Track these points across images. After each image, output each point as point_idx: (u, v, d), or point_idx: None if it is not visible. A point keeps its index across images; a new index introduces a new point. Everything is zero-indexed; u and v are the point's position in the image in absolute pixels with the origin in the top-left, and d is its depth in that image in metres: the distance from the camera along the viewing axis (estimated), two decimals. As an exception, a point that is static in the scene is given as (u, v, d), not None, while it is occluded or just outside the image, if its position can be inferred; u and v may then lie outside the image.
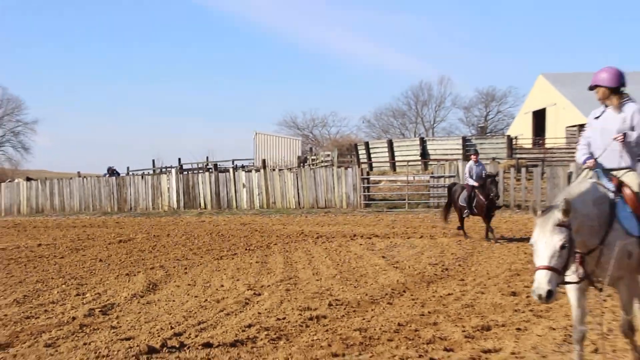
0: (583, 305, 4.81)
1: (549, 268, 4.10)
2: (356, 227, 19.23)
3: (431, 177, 26.65)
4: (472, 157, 14.91)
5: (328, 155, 37.42)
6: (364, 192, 26.63)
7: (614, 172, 4.95)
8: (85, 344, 5.96)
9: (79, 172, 37.44)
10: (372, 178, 29.57)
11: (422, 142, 33.08)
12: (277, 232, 18.09)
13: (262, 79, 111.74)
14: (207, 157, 44.68)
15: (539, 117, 42.03)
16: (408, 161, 30.39)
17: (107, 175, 37.42)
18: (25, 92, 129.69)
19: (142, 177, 33.27)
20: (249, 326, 6.52)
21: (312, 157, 40.80)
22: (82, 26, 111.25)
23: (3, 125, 70.73)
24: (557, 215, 4.18)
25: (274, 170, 30.12)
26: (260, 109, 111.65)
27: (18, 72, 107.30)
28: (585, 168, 5.04)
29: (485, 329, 6.29)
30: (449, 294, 8.19)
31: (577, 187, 4.68)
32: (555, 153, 31.77)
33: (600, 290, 4.76)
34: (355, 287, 8.95)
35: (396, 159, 32.47)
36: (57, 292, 8.94)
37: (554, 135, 37.31)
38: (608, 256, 4.46)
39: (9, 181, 40.08)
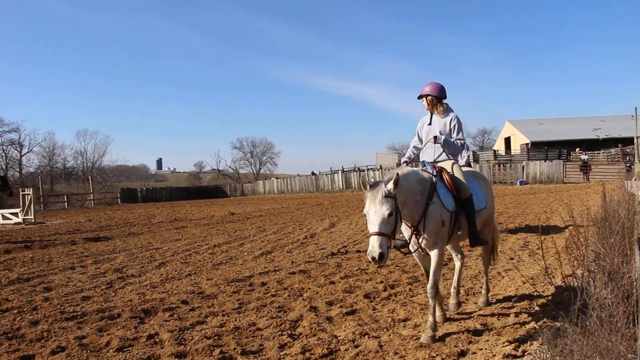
0: (425, 264, 5.75)
1: (379, 233, 4.65)
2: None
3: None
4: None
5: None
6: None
7: (438, 163, 6.04)
8: (304, 250, 12.39)
9: (298, 174, 61.30)
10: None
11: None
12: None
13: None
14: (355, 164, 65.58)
15: (507, 140, 65.32)
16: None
17: (312, 175, 61.34)
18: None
19: (327, 175, 57.28)
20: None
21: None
22: None
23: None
24: (384, 188, 4.82)
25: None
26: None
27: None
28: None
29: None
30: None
31: (401, 169, 5.29)
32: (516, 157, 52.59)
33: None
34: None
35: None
36: (291, 228, 16.83)
37: (514, 149, 59.03)
38: (427, 225, 5.26)
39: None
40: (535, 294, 6.69)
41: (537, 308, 6.19)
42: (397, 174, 4.93)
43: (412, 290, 7.53)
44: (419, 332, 5.49)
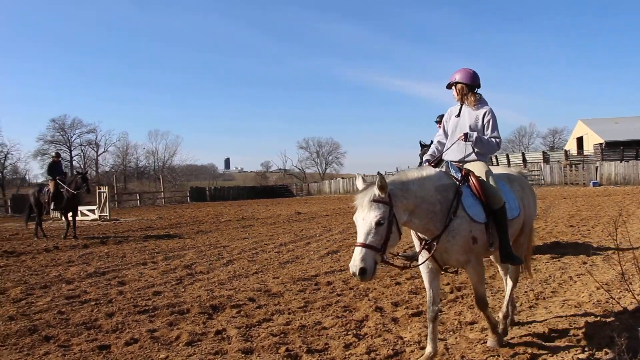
0: (434, 286, 4.83)
1: (363, 245, 3.99)
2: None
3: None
4: None
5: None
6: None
7: (466, 164, 5.15)
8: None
9: (364, 173, 59.30)
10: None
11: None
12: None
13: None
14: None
15: (580, 140, 62.70)
16: None
17: (378, 174, 60.29)
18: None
19: (393, 175, 53.33)
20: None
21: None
22: None
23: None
24: (373, 191, 4.13)
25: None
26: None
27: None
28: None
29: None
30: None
31: (417, 171, 4.60)
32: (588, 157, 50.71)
33: (455, 273, 5.29)
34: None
35: None
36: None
37: (587, 149, 57.09)
38: (452, 242, 4.50)
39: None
40: (611, 300, 6.41)
41: (612, 316, 5.93)
42: (379, 174, 4.18)
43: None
44: (486, 335, 5.37)
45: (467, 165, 5.11)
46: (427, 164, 5.27)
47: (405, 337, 5.56)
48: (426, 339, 4.97)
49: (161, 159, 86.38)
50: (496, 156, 58.43)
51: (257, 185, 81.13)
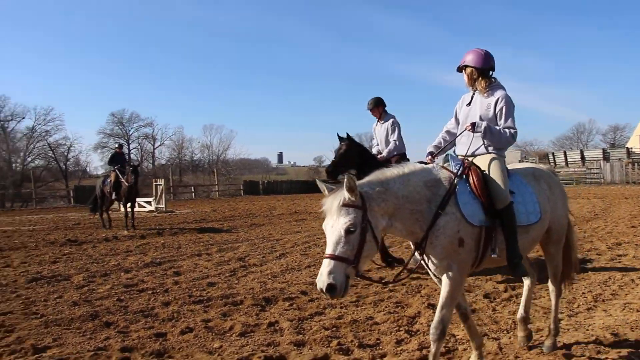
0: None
1: (332, 257, 3.51)
2: None
3: None
4: None
5: None
6: None
7: (475, 157, 4.55)
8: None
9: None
10: None
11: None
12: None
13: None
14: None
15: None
16: None
17: None
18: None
19: None
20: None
21: None
22: None
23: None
24: (343, 194, 3.58)
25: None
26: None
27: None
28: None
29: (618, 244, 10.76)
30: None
31: (398, 168, 4.02)
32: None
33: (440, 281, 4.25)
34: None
35: None
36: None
37: None
38: (434, 243, 3.90)
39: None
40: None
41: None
42: (349, 174, 3.64)
43: (535, 292, 7.23)
44: (541, 336, 5.26)
45: (476, 159, 4.53)
46: (429, 156, 4.69)
47: (457, 335, 5.50)
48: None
49: (215, 152, 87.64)
50: (553, 154, 57.02)
51: (309, 179, 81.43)
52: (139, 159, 74.09)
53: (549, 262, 5.09)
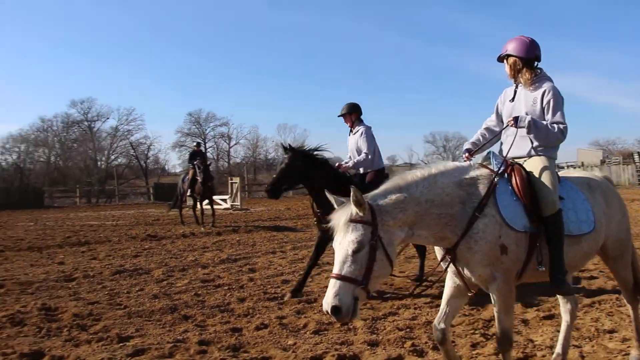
0: (452, 305, 3.95)
1: (339, 277, 3.23)
2: None
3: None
4: None
5: None
6: None
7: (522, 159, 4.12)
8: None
9: None
10: None
11: None
12: None
13: None
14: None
15: None
16: None
17: None
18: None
19: None
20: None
21: None
22: None
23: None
24: (350, 208, 3.32)
25: None
26: None
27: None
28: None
29: None
30: None
31: (423, 170, 3.74)
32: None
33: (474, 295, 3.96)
34: None
35: None
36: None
37: None
38: (473, 249, 3.54)
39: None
40: None
41: None
42: (352, 188, 3.31)
43: (619, 299, 6.89)
44: (628, 347, 5.00)
45: (522, 162, 4.08)
46: (467, 153, 4.26)
47: (536, 341, 5.33)
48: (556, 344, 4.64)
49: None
50: (639, 153, 54.18)
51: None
52: (215, 157, 76.02)
53: (615, 278, 4.73)
